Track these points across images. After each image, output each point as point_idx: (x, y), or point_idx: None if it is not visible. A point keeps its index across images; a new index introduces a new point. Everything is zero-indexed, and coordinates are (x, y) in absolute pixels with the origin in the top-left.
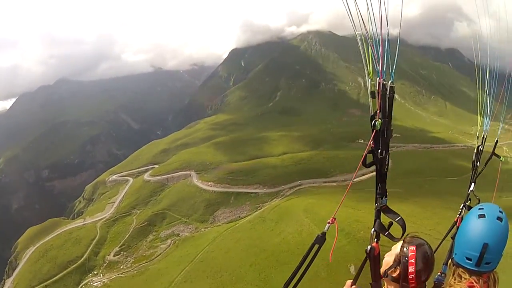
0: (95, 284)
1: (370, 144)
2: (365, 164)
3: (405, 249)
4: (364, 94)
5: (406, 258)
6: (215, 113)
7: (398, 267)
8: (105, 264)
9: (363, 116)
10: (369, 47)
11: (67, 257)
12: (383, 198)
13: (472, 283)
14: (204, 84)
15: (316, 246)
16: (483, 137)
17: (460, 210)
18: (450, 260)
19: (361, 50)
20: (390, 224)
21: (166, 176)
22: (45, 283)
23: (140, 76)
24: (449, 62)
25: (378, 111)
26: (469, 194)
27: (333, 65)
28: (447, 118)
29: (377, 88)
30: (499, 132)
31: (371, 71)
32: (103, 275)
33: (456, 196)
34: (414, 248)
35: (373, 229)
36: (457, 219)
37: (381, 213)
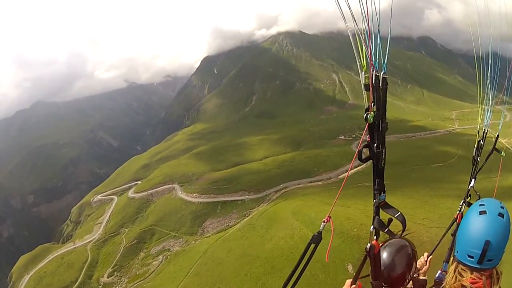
0: None
1: (364, 138)
2: (361, 159)
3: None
4: (339, 91)
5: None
6: (193, 123)
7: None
8: (100, 287)
9: (340, 112)
10: (361, 39)
11: (62, 283)
12: (381, 194)
13: (475, 279)
14: (179, 95)
15: (313, 245)
16: (483, 131)
17: (460, 206)
18: (452, 257)
19: (352, 43)
20: (390, 220)
21: (150, 191)
22: None
23: (114, 92)
24: (422, 50)
25: (371, 104)
26: (469, 190)
27: (306, 64)
28: (426, 105)
29: (370, 81)
30: (500, 127)
31: (364, 63)
32: None
33: (443, 182)
34: (381, 244)
35: (372, 227)
36: (457, 216)
37: (380, 209)
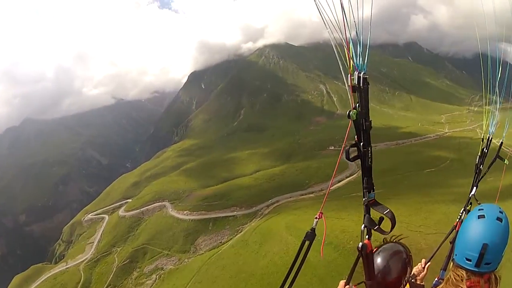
0: None
1: (347, 136)
2: (349, 158)
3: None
4: (327, 101)
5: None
6: (181, 139)
7: None
8: None
9: (329, 122)
10: (344, 41)
11: None
12: (371, 192)
13: (473, 284)
14: (167, 111)
15: (307, 242)
16: (488, 139)
17: (460, 214)
18: (451, 263)
19: (333, 47)
20: (381, 219)
21: (140, 209)
22: None
23: (103, 109)
24: (408, 56)
25: (356, 104)
26: (470, 198)
27: (293, 76)
28: (414, 111)
29: (350, 83)
30: (504, 134)
31: (349, 66)
32: None
33: (437, 187)
34: (375, 249)
35: (363, 225)
36: (457, 224)
37: (370, 208)
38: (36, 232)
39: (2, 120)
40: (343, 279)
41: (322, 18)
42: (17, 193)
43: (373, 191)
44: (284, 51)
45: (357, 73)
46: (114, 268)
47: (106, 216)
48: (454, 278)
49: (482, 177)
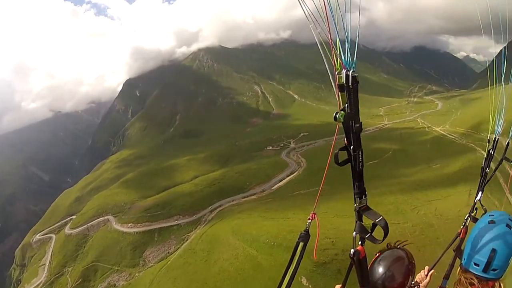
0: None
1: (335, 139)
2: (338, 163)
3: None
4: (263, 102)
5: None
6: (119, 149)
7: None
8: None
9: (266, 123)
10: (328, 38)
11: None
12: (362, 198)
13: None
14: (103, 122)
15: (301, 244)
16: (494, 139)
17: (465, 220)
18: (457, 269)
19: (319, 45)
20: (374, 225)
21: (85, 225)
22: None
23: (41, 123)
24: None
25: (343, 105)
26: (475, 203)
27: (227, 79)
28: None
29: (336, 82)
30: (511, 133)
31: (336, 64)
32: None
33: (382, 178)
34: (378, 254)
35: (354, 233)
36: (461, 231)
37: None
38: None
39: None
40: (338, 284)
41: (304, 11)
42: None
43: (365, 196)
44: (218, 54)
45: (345, 71)
46: None
47: (53, 236)
48: (464, 281)
49: (488, 180)
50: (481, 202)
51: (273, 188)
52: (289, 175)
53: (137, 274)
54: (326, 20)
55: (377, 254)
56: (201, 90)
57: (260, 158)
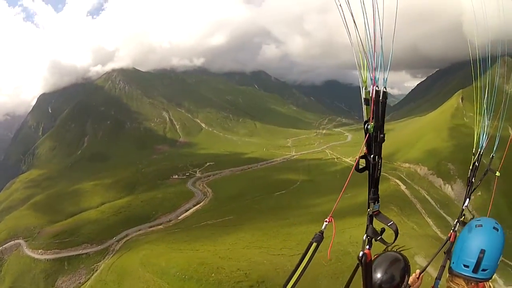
0: None
1: (363, 149)
2: (358, 169)
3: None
4: (170, 129)
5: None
6: (29, 168)
7: None
8: None
9: (172, 151)
10: (364, 55)
11: None
12: (375, 204)
13: None
14: (15, 137)
15: (314, 244)
16: (479, 153)
17: (454, 225)
18: (448, 272)
19: (356, 60)
20: (383, 230)
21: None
22: None
23: None
24: (255, 84)
25: (370, 117)
26: (463, 209)
27: (137, 103)
28: (259, 136)
29: (371, 95)
30: (495, 147)
31: (365, 79)
32: None
33: (291, 209)
34: (375, 257)
35: (365, 235)
36: (450, 235)
37: (374, 218)
38: None
39: None
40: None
41: (347, 30)
42: None
43: (378, 202)
44: (130, 76)
45: (374, 86)
46: None
47: None
48: (452, 286)
49: (474, 189)
50: (469, 209)
51: (179, 218)
52: (195, 205)
53: None
54: (366, 36)
55: (375, 257)
56: (110, 113)
57: (166, 187)
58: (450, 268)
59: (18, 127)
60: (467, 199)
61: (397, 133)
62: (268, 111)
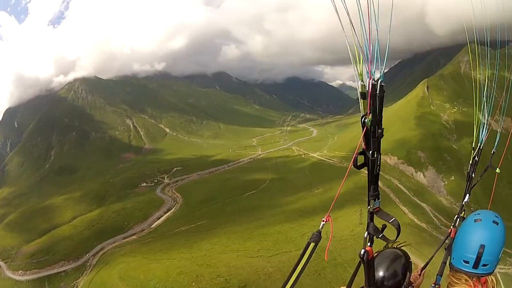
0: None
1: (361, 144)
2: (357, 166)
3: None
4: (135, 136)
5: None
6: (0, 186)
7: None
8: None
9: (138, 158)
10: (359, 48)
11: None
12: (376, 200)
13: (471, 286)
14: None
15: (312, 244)
16: (479, 148)
17: (454, 221)
18: (449, 268)
19: (350, 53)
20: (384, 227)
21: None
22: None
23: None
24: (216, 86)
25: (368, 111)
26: (463, 205)
27: (100, 112)
28: (224, 138)
29: (369, 89)
30: (496, 143)
31: (361, 72)
32: None
33: (263, 208)
34: (375, 254)
35: (366, 233)
36: (451, 230)
37: (375, 215)
38: None
39: None
40: (343, 286)
41: (340, 23)
42: None
43: (378, 199)
44: (93, 85)
45: (371, 80)
46: None
47: None
48: (451, 282)
49: (474, 185)
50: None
51: (152, 226)
52: (166, 212)
53: None
54: (361, 30)
55: (375, 254)
56: (75, 124)
57: (135, 196)
58: (450, 263)
59: None
60: (467, 195)
61: None
62: (231, 111)
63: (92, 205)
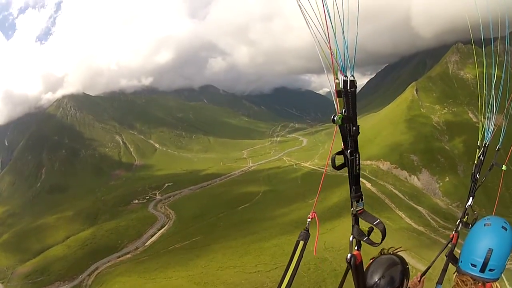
0: None
1: (333, 143)
2: (335, 166)
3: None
4: (125, 152)
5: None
6: None
7: None
8: None
9: (129, 175)
10: (327, 43)
11: None
12: (359, 202)
13: None
14: None
15: (302, 243)
16: (484, 145)
17: (457, 226)
18: (454, 274)
19: (319, 52)
20: (371, 229)
21: None
22: None
23: None
24: (204, 99)
25: (341, 110)
26: (466, 209)
27: (90, 129)
28: (214, 151)
29: (335, 87)
30: (500, 142)
31: (332, 68)
32: None
33: (257, 221)
34: (371, 261)
35: (351, 236)
36: (452, 236)
37: (359, 218)
38: None
39: None
40: None
41: (304, 17)
42: None
43: (362, 200)
44: (81, 102)
45: (343, 76)
46: None
47: None
48: (460, 283)
49: (479, 186)
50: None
51: (146, 244)
52: (160, 229)
53: None
54: (326, 23)
55: (371, 261)
56: (64, 141)
57: (128, 213)
58: (458, 267)
59: None
60: (471, 198)
61: None
62: (220, 124)
63: (84, 224)
